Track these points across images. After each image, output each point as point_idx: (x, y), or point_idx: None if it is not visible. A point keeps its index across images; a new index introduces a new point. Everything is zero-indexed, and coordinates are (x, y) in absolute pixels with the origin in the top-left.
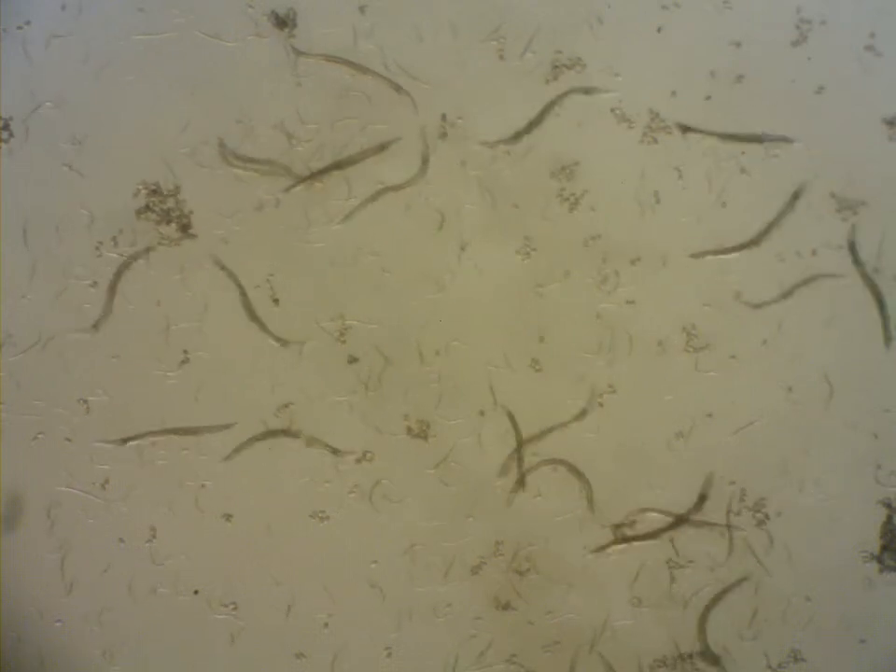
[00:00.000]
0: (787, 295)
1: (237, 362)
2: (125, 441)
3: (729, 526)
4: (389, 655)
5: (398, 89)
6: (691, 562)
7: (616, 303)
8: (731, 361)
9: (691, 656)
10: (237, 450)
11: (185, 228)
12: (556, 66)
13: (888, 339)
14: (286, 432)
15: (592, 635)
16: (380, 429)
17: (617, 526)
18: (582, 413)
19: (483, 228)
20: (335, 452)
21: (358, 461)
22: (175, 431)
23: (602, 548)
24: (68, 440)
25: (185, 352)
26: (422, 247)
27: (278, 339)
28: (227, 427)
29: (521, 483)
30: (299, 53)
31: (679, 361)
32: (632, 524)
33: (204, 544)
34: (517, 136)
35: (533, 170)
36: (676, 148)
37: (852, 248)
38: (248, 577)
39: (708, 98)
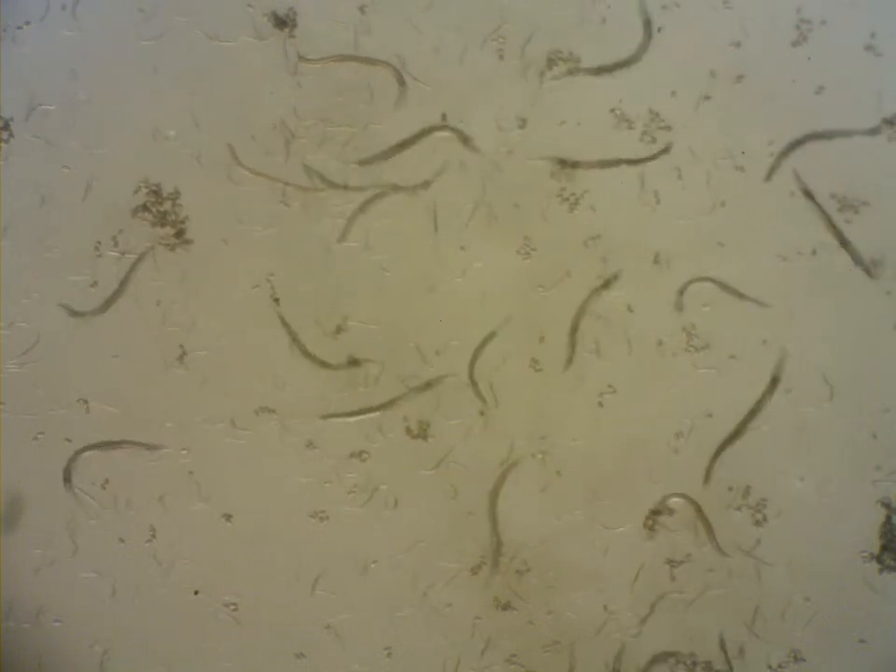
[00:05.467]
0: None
1: (237, 362)
2: (125, 443)
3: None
4: (389, 655)
5: (397, 89)
6: (691, 561)
7: (616, 303)
8: (731, 361)
9: (691, 656)
10: (237, 450)
11: (180, 234)
12: (556, 66)
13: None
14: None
15: (592, 635)
16: (380, 429)
17: (654, 512)
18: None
19: (483, 228)
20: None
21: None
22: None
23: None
24: (68, 440)
25: (185, 352)
26: (422, 247)
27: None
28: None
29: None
30: (299, 54)
31: (679, 361)
32: (670, 511)
33: (204, 544)
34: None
35: (533, 170)
36: (675, 148)
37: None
38: (248, 577)
39: (708, 98)
